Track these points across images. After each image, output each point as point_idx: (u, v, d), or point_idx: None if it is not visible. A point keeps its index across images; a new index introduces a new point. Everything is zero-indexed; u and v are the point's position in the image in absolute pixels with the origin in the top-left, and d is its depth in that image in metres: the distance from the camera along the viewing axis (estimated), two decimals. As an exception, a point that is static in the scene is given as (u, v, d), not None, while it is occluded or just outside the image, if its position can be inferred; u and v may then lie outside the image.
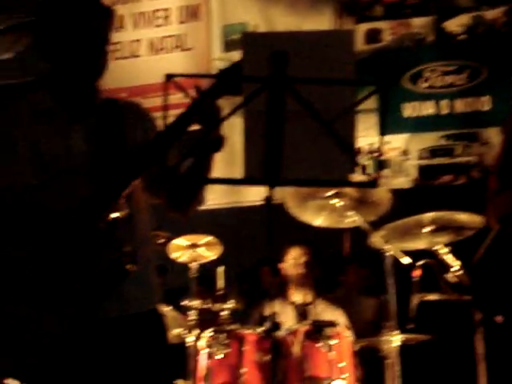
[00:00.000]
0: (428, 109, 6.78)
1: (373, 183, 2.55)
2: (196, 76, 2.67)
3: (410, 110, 6.82)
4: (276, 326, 4.55)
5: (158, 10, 7.29)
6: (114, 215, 2.75)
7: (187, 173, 2.87)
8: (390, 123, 6.84)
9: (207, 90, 2.72)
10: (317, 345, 4.68)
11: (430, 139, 6.76)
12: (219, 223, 6.35)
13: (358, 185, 2.70)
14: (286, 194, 4.83)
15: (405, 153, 6.78)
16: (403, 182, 6.76)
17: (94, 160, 2.88)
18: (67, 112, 2.92)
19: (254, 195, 6.45)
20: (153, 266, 3.06)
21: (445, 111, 6.75)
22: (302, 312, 5.27)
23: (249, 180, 2.64)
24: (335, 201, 4.76)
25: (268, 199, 2.59)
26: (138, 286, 2.94)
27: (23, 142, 2.88)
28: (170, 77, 2.45)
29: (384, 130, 3.12)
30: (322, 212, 4.94)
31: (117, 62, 7.11)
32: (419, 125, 6.80)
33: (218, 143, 2.86)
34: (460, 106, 6.70)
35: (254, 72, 2.54)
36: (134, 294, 2.94)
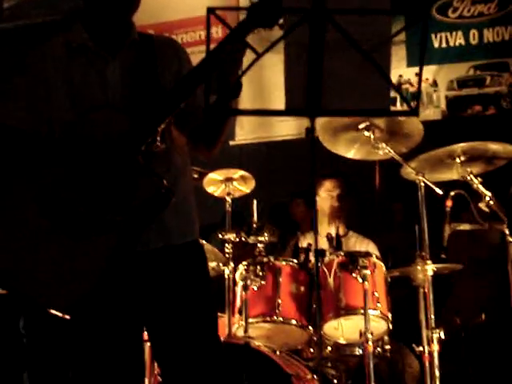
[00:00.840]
0: (457, 39, 6.73)
1: (415, 111, 2.58)
2: (237, 9, 2.65)
3: (438, 40, 6.77)
4: (322, 253, 4.63)
5: None
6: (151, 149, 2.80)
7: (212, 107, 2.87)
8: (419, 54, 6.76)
9: (239, 24, 2.72)
10: (351, 275, 4.74)
11: (460, 70, 6.73)
12: (250, 158, 6.39)
13: (400, 113, 2.71)
14: (318, 127, 4.83)
15: (434, 84, 6.76)
16: (433, 113, 6.75)
17: (130, 94, 2.92)
18: (102, 47, 2.95)
19: (284, 129, 6.47)
20: (191, 198, 3.11)
21: (474, 41, 6.70)
22: (336, 244, 5.29)
23: (290, 111, 2.68)
24: (367, 133, 4.75)
25: (308, 130, 2.61)
26: (178, 217, 2.99)
27: (59, 77, 2.92)
28: (210, 10, 2.47)
29: (420, 60, 3.10)
30: (354, 144, 4.95)
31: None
32: (448, 56, 6.75)
33: (238, 88, 2.86)
34: (489, 35, 6.64)
35: (293, 4, 2.56)
36: (175, 225, 2.99)
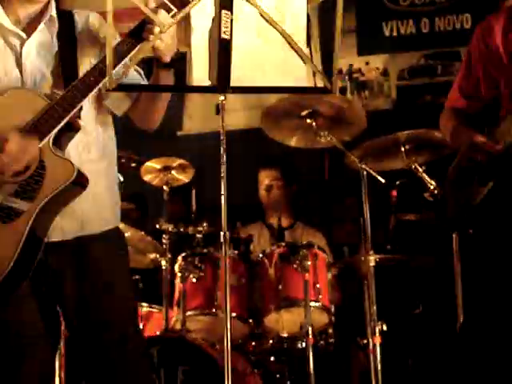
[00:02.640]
0: (408, 28, 6.63)
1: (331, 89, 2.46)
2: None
3: (389, 29, 6.66)
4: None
5: None
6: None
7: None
8: (369, 43, 6.68)
9: None
10: (292, 266, 4.64)
11: (411, 59, 6.63)
12: (193, 148, 6.28)
13: (315, 90, 2.59)
14: (262, 116, 4.73)
15: (385, 73, 6.65)
16: (383, 102, 6.65)
17: (46, 74, 2.85)
18: (17, 26, 2.85)
19: (234, 120, 6.34)
20: (109, 184, 2.98)
21: (425, 30, 6.60)
22: (278, 235, 5.20)
23: (200, 87, 2.57)
24: (309, 120, 4.63)
25: (218, 107, 2.50)
26: (96, 205, 2.88)
27: None
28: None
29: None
30: (296, 132, 4.82)
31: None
32: (399, 44, 6.64)
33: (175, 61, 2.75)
34: (440, 24, 6.55)
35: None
36: (92, 214, 2.88)
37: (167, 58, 2.68)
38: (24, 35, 2.84)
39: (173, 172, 5.06)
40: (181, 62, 2.74)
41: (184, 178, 5.14)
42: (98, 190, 2.87)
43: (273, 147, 5.15)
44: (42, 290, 2.86)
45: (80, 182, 2.71)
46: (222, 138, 2.45)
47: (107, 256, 2.90)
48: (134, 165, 4.89)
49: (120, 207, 3.05)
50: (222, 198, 2.48)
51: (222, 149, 2.46)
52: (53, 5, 2.89)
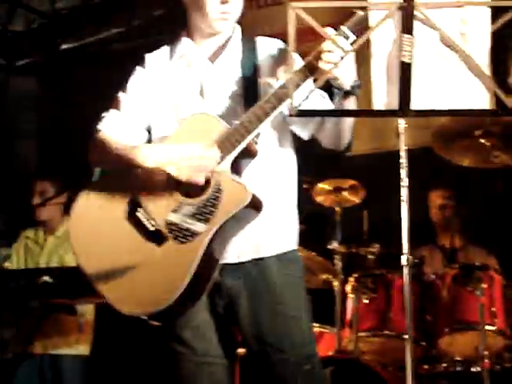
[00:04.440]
0: None
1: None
2: (320, 4, 2.57)
3: None
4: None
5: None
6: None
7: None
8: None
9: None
10: (466, 289, 4.56)
11: None
12: (362, 169, 6.25)
13: (497, 114, 2.54)
14: (432, 136, 4.68)
15: None
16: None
17: (228, 98, 2.95)
18: (202, 53, 2.99)
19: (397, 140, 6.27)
20: (286, 208, 3.01)
21: None
22: (451, 256, 5.13)
23: (381, 111, 2.58)
24: (482, 140, 4.54)
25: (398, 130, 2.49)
26: (271, 228, 2.92)
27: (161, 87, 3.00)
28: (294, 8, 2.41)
29: None
30: (469, 152, 4.74)
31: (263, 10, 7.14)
32: None
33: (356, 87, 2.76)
34: None
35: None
36: (268, 237, 2.92)
37: (346, 86, 2.70)
38: (208, 63, 2.96)
39: (344, 193, 5.09)
40: (360, 88, 2.74)
41: (355, 198, 5.16)
42: (274, 214, 2.91)
43: (443, 167, 5.07)
44: (218, 310, 2.93)
45: (255, 206, 2.76)
46: (403, 161, 2.44)
47: (283, 278, 2.92)
48: (306, 186, 4.94)
49: (297, 230, 3.06)
50: (403, 220, 2.44)
51: (403, 171, 2.44)
52: (237, 34, 2.99)
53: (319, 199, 5.18)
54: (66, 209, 5.38)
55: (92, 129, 2.99)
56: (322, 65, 2.63)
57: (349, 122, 2.91)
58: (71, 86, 7.74)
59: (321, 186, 5.10)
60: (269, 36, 3.05)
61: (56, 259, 5.24)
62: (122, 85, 3.03)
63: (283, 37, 3.10)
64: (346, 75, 2.67)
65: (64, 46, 7.80)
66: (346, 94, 2.72)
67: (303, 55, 2.75)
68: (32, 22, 7.67)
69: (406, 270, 2.37)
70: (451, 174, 5.53)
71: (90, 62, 7.62)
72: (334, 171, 5.32)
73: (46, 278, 4.44)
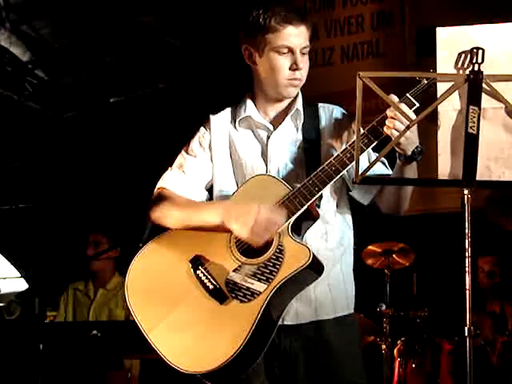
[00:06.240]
0: None
1: None
2: (387, 74, 2.59)
3: None
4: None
5: (351, 17, 7.25)
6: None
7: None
8: None
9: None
10: (516, 355, 4.53)
11: None
12: (413, 230, 6.23)
13: None
14: (484, 199, 4.67)
15: None
16: None
17: (290, 162, 2.95)
18: (265, 119, 3.02)
19: (449, 202, 6.27)
20: (345, 272, 3.01)
21: None
22: (500, 322, 5.08)
23: (445, 181, 2.58)
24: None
25: (462, 200, 2.49)
26: (331, 291, 2.91)
27: (225, 151, 3.04)
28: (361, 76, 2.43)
29: None
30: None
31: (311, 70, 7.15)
32: None
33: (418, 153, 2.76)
34: None
35: (447, 69, 2.48)
36: (327, 300, 2.91)
37: (409, 152, 2.71)
38: (271, 127, 2.98)
39: (394, 255, 5.08)
40: (423, 155, 2.74)
41: (405, 261, 5.15)
42: (333, 277, 2.90)
43: (493, 231, 5.04)
44: (275, 372, 2.91)
45: (315, 268, 2.75)
46: (467, 231, 2.42)
47: (340, 341, 2.91)
48: (355, 247, 4.93)
49: (354, 294, 3.05)
50: (467, 293, 2.41)
51: (466, 242, 2.42)
52: (299, 99, 3.02)
53: (369, 261, 5.17)
54: (117, 263, 5.46)
55: (149, 184, 3.02)
56: (387, 131, 2.65)
57: (409, 188, 2.92)
58: (119, 139, 7.82)
59: (371, 248, 5.09)
60: (314, 96, 3.07)
61: (106, 312, 5.27)
62: (184, 142, 3.07)
63: (329, 98, 3.14)
64: (409, 141, 2.68)
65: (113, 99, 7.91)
66: (408, 159, 2.74)
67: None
68: (81, 74, 7.79)
69: (468, 342, 2.33)
70: (500, 239, 5.49)
71: (138, 115, 7.72)
72: (384, 233, 5.32)
73: (95, 332, 4.46)
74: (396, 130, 2.61)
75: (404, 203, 2.94)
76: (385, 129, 2.65)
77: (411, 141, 2.68)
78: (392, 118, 2.63)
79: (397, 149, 2.70)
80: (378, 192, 2.93)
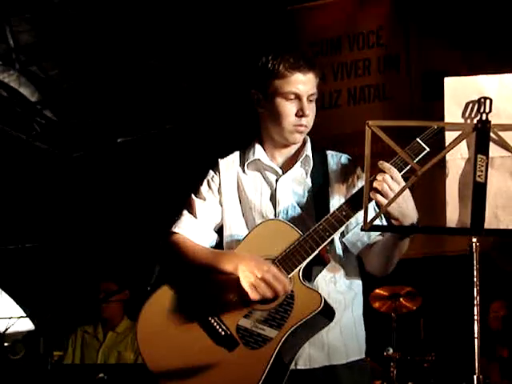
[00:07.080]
0: None
1: None
2: (396, 123, 2.60)
3: None
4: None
5: (358, 61, 7.30)
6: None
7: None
8: None
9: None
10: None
11: None
12: (419, 273, 6.22)
13: None
14: (491, 244, 4.67)
15: None
16: None
17: (298, 207, 2.95)
18: (274, 163, 3.04)
19: (456, 244, 6.26)
20: (355, 316, 3.01)
21: None
22: (508, 367, 5.05)
23: (453, 229, 2.58)
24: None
25: (471, 247, 2.48)
26: (343, 336, 2.90)
27: (234, 195, 3.06)
28: (370, 125, 2.43)
29: None
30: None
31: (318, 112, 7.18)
32: None
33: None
34: None
35: (455, 118, 2.49)
36: (339, 345, 2.90)
37: (404, 223, 2.63)
38: (280, 171, 3.00)
39: (401, 299, 5.07)
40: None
41: (412, 305, 5.14)
42: (344, 322, 2.90)
43: (498, 274, 5.03)
44: None
45: (327, 314, 2.75)
46: (475, 279, 2.42)
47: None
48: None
49: (364, 339, 3.04)
50: (476, 341, 2.40)
51: (474, 290, 2.41)
52: (308, 145, 3.04)
53: (376, 305, 5.16)
54: (126, 307, 5.46)
55: (156, 226, 3.02)
56: (372, 196, 2.62)
57: (399, 253, 2.85)
58: (127, 179, 7.84)
59: (378, 291, 5.09)
60: (321, 138, 3.09)
61: (115, 355, 5.26)
62: (190, 184, 3.10)
63: (336, 140, 3.17)
64: (407, 216, 2.64)
65: (120, 140, 7.94)
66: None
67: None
68: (89, 115, 7.82)
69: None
70: (505, 282, 5.48)
71: (145, 155, 7.74)
72: (391, 276, 5.29)
73: (101, 375, 4.45)
74: (383, 194, 2.57)
75: (387, 269, 2.93)
76: (370, 194, 2.57)
77: (408, 214, 2.65)
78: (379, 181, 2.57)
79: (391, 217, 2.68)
80: (364, 251, 2.92)
